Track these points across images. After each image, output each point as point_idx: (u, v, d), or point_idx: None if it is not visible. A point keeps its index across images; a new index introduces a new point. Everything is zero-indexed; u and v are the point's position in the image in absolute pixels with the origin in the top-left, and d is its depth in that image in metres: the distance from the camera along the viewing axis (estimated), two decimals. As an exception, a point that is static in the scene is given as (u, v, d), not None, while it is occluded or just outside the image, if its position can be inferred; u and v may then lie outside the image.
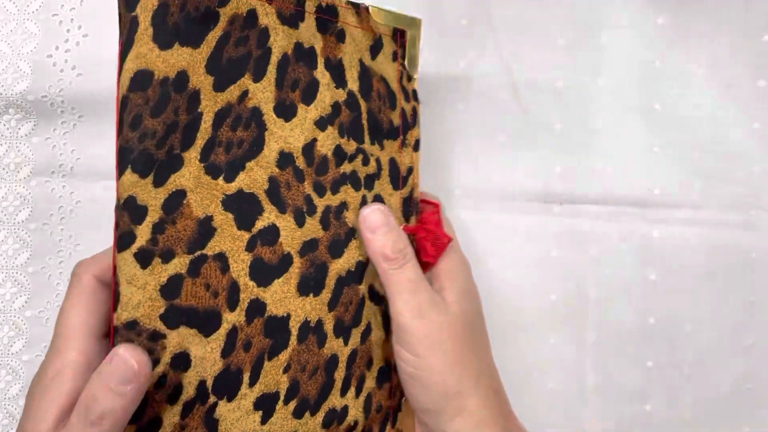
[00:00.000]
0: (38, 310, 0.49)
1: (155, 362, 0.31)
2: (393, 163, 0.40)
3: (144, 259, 0.31)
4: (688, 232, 0.48)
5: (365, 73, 0.38)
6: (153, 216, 0.31)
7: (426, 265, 0.38)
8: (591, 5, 0.48)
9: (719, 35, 0.48)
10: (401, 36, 0.40)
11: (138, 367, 0.29)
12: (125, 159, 0.31)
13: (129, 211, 0.31)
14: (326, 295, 0.36)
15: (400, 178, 0.40)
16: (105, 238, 0.48)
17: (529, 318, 0.49)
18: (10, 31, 0.47)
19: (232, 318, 0.33)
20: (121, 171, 0.31)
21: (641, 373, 0.49)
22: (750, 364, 0.49)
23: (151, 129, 0.31)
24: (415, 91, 0.41)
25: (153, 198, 0.31)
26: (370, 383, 0.38)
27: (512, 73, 0.49)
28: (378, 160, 0.39)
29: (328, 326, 0.36)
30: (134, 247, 0.31)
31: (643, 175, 0.48)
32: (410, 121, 0.40)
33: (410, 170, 0.40)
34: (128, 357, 0.29)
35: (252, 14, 0.34)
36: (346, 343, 0.37)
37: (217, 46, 0.33)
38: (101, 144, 0.48)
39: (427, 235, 0.38)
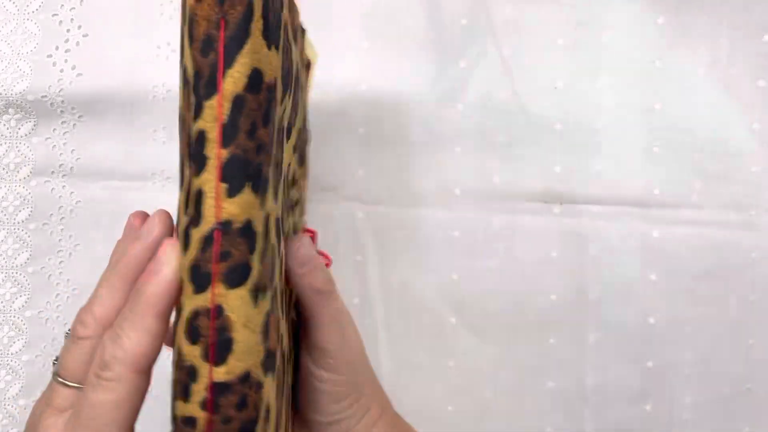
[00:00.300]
0: (38, 310, 0.49)
1: (255, 421, 0.26)
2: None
3: (256, 295, 0.26)
4: (688, 232, 0.48)
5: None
6: (260, 243, 0.26)
7: None
8: (591, 5, 0.48)
9: (719, 35, 0.47)
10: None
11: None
12: (241, 173, 0.25)
13: (247, 237, 0.25)
14: None
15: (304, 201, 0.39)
16: (105, 238, 0.48)
17: (528, 318, 0.49)
18: (10, 31, 0.47)
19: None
20: (235, 188, 0.25)
21: (641, 373, 0.49)
22: (750, 364, 0.49)
23: (262, 140, 0.26)
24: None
25: (259, 221, 0.26)
26: None
27: (512, 73, 0.49)
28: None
29: None
30: (250, 283, 0.25)
31: (643, 175, 0.48)
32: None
33: (304, 196, 0.40)
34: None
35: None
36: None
37: (283, 49, 0.29)
38: (101, 144, 0.48)
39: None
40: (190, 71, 0.25)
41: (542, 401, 0.50)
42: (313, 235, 0.38)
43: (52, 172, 0.48)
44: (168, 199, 0.48)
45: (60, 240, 0.49)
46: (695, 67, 0.48)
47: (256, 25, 0.25)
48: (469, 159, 0.49)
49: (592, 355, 0.49)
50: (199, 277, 0.25)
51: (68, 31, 0.48)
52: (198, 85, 0.25)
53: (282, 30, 0.28)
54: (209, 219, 0.25)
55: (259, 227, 0.26)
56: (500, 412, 0.50)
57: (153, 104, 0.48)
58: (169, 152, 0.48)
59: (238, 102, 0.25)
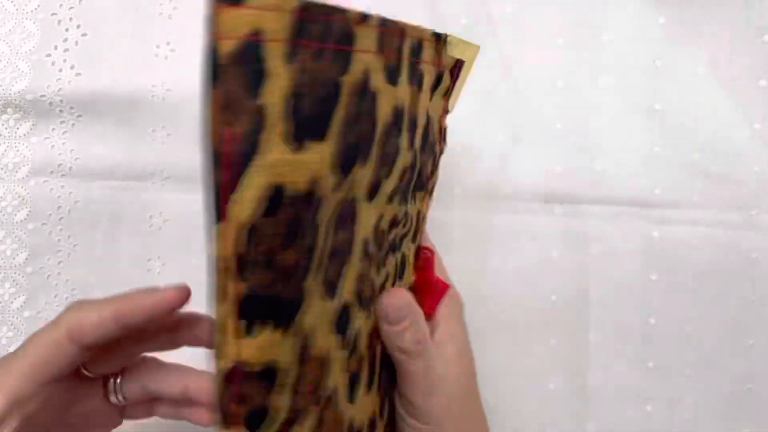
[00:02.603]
0: (37, 311, 0.49)
1: None
2: (418, 216, 0.33)
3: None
4: (688, 232, 0.48)
5: (428, 124, 0.30)
6: (291, 375, 0.24)
7: (425, 315, 0.35)
8: (591, 5, 0.48)
9: (719, 35, 0.48)
10: (459, 68, 0.32)
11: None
12: (259, 311, 0.22)
13: (268, 380, 0.23)
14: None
15: (418, 229, 0.33)
16: (104, 238, 0.48)
17: (529, 318, 0.49)
18: (8, 31, 0.47)
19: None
20: (253, 327, 0.22)
21: (642, 373, 0.49)
22: (750, 364, 0.49)
23: (285, 265, 0.23)
24: (445, 130, 0.33)
25: (287, 354, 0.23)
26: None
27: (512, 73, 0.49)
28: (410, 217, 0.31)
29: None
30: (271, 423, 0.24)
31: (643, 175, 0.48)
32: (436, 166, 0.33)
33: (423, 218, 0.34)
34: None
35: (366, 77, 0.25)
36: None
37: (343, 134, 0.23)
38: (100, 144, 0.48)
39: (426, 284, 0.35)
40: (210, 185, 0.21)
41: (543, 402, 0.50)
42: (430, 255, 0.35)
43: (51, 171, 0.48)
44: (167, 198, 0.48)
45: (59, 240, 0.49)
46: (695, 67, 0.48)
47: (274, 132, 0.21)
48: (469, 159, 0.49)
49: (592, 355, 0.49)
50: (224, 415, 0.23)
51: (67, 30, 0.47)
52: (210, 204, 0.21)
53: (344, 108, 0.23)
54: (228, 356, 0.22)
55: (284, 361, 0.23)
56: (501, 412, 0.50)
57: (152, 104, 0.48)
58: (168, 152, 0.48)
59: (247, 231, 0.21)
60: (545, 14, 0.48)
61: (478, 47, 0.32)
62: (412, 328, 0.32)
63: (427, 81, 0.29)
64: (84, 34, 0.48)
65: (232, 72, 0.20)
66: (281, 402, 0.23)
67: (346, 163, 0.24)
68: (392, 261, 0.31)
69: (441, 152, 0.33)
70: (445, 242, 0.49)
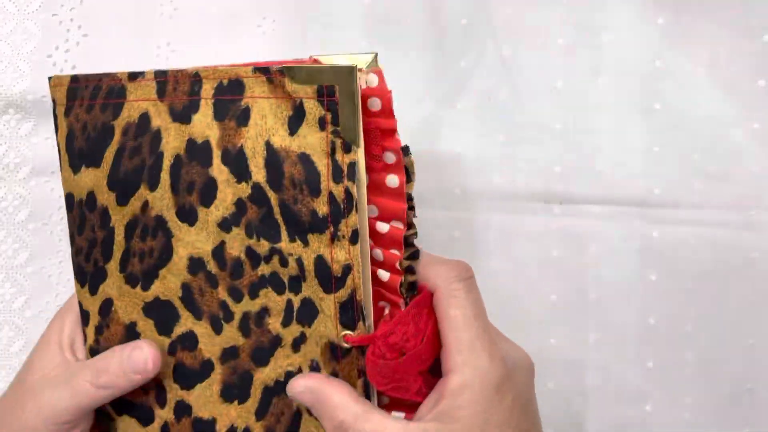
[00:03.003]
0: (38, 311, 0.49)
1: None
2: (321, 261, 0.31)
3: (93, 354, 0.36)
4: (688, 232, 0.48)
5: (273, 158, 0.31)
6: (94, 320, 0.37)
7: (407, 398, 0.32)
8: (591, 5, 0.48)
9: (719, 35, 0.47)
10: (329, 95, 0.30)
11: (152, 366, 0.34)
12: (73, 269, 0.37)
13: (81, 314, 0.37)
14: (252, 403, 0.35)
15: (332, 279, 0.31)
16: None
17: (529, 318, 0.49)
18: (9, 31, 0.47)
19: (163, 414, 0.36)
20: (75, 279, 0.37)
21: (641, 373, 0.49)
22: (750, 364, 0.49)
23: (79, 245, 0.36)
24: (353, 166, 0.30)
25: (92, 305, 0.36)
26: None
27: (512, 73, 0.49)
28: (299, 260, 0.32)
29: None
30: (87, 345, 0.37)
31: (643, 175, 0.48)
32: (343, 208, 0.30)
33: (347, 268, 0.31)
34: (149, 355, 0.34)
35: (144, 118, 0.34)
36: None
37: (114, 162, 0.34)
38: (101, 144, 0.48)
39: (388, 352, 0.31)
40: None
41: (543, 402, 0.50)
42: (423, 296, 0.33)
43: (52, 172, 0.48)
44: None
45: (60, 240, 0.49)
46: (695, 67, 0.48)
47: (63, 160, 0.37)
48: (469, 159, 0.49)
49: (592, 355, 0.49)
50: None
51: (68, 31, 0.48)
52: None
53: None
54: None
55: (90, 308, 0.38)
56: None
57: (153, 104, 0.48)
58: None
59: (68, 220, 0.38)
60: (545, 14, 0.48)
61: (354, 68, 0.29)
62: (324, 416, 0.31)
63: (271, 115, 0.31)
64: (85, 35, 0.48)
65: (54, 123, 0.38)
66: (90, 334, 0.37)
67: (125, 183, 0.34)
68: (278, 299, 0.33)
69: (348, 194, 0.30)
70: (445, 242, 0.49)
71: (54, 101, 0.37)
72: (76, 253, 0.37)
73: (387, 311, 0.34)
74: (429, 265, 0.33)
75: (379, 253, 0.33)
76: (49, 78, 0.37)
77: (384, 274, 0.33)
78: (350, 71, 0.29)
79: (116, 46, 0.48)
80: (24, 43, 0.47)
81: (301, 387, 0.32)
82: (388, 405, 0.34)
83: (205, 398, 0.35)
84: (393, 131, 0.31)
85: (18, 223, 0.48)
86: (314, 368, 0.33)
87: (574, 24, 0.48)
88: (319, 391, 0.31)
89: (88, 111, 0.35)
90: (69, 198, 0.37)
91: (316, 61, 0.32)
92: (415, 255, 0.34)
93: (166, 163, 0.33)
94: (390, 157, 0.32)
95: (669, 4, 0.47)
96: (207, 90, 0.32)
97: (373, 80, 0.31)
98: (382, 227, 0.33)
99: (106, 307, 0.36)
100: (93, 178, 0.35)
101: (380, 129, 0.31)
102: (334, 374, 0.33)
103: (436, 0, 0.48)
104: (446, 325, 0.32)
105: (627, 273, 0.49)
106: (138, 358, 0.34)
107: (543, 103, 0.49)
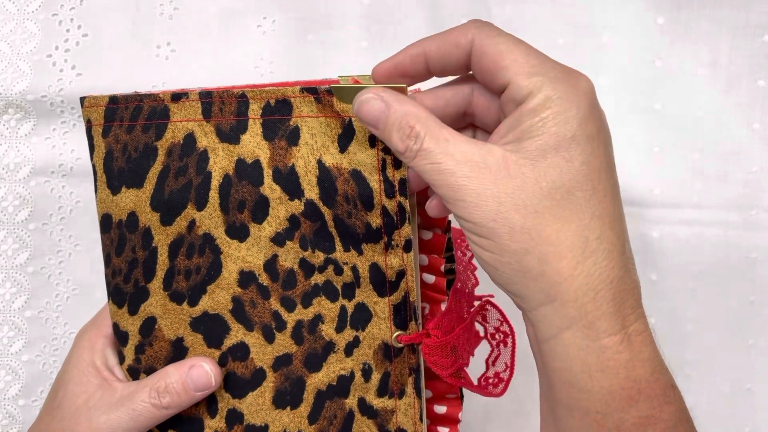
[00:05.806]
0: (38, 311, 0.49)
1: None
2: (375, 268, 0.33)
3: (133, 373, 0.37)
4: (688, 232, 0.48)
5: (325, 176, 0.33)
6: (134, 339, 0.36)
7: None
8: (591, 5, 0.48)
9: (719, 35, 0.47)
10: None
11: (215, 382, 0.35)
12: (107, 290, 0.37)
13: (117, 335, 0.37)
14: (305, 408, 0.35)
15: (386, 283, 0.34)
16: (105, 238, 0.49)
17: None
18: (9, 31, 0.47)
19: (213, 424, 0.36)
20: (108, 299, 0.37)
21: (641, 373, 0.49)
22: (750, 364, 0.49)
23: (117, 267, 0.36)
24: (403, 182, 0.32)
25: (132, 325, 0.36)
26: None
27: (512, 73, 0.49)
28: (354, 268, 0.34)
29: None
30: (125, 365, 0.37)
31: (643, 175, 0.48)
32: (396, 220, 0.32)
33: (401, 273, 0.33)
34: (211, 372, 0.34)
35: (190, 139, 0.34)
36: None
37: (158, 182, 0.34)
38: (101, 144, 0.48)
39: (436, 348, 0.34)
40: None
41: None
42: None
43: (52, 172, 0.48)
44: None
45: (60, 240, 0.49)
46: (695, 67, 0.48)
47: (101, 181, 0.36)
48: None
49: (592, 355, 0.49)
50: None
51: (68, 31, 0.48)
52: None
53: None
54: None
55: (129, 328, 0.36)
56: (503, 413, 0.50)
57: (153, 104, 0.48)
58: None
59: (102, 241, 0.37)
60: (545, 14, 0.48)
61: (405, 87, 0.30)
62: (391, 127, 0.29)
63: (321, 134, 0.32)
64: (85, 35, 0.48)
65: (87, 143, 0.37)
66: (129, 354, 0.37)
67: (170, 203, 0.34)
68: (331, 306, 0.35)
69: (401, 207, 0.32)
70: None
71: (89, 122, 0.36)
72: (112, 274, 0.36)
73: (427, 310, 0.36)
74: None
75: (424, 258, 0.35)
76: (82, 98, 0.36)
77: (429, 277, 0.36)
78: (401, 91, 0.30)
79: (116, 46, 0.48)
80: (24, 43, 0.47)
81: (371, 93, 0.30)
82: (430, 399, 0.37)
83: (257, 405, 0.35)
84: None
85: (18, 223, 0.48)
86: (366, 371, 0.35)
87: (574, 24, 0.48)
88: (390, 99, 0.29)
89: (129, 132, 0.35)
90: (106, 219, 0.36)
91: (356, 81, 0.32)
92: (451, 259, 0.37)
93: (215, 182, 0.34)
94: None
95: (669, 4, 0.47)
96: (254, 110, 0.33)
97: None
98: (426, 235, 0.35)
99: (149, 325, 0.36)
100: (134, 199, 0.35)
101: None
102: (386, 375, 0.34)
103: (436, 0, 0.48)
104: (496, 54, 0.30)
105: (627, 273, 0.49)
106: (201, 376, 0.34)
107: (543, 103, 0.48)
